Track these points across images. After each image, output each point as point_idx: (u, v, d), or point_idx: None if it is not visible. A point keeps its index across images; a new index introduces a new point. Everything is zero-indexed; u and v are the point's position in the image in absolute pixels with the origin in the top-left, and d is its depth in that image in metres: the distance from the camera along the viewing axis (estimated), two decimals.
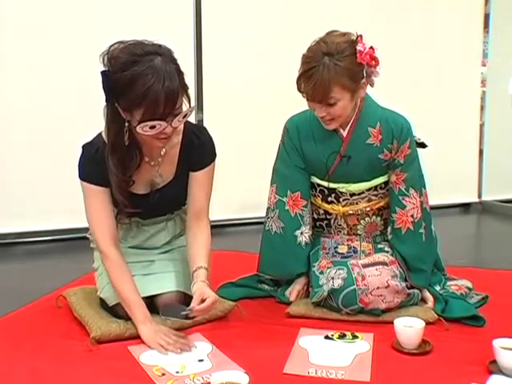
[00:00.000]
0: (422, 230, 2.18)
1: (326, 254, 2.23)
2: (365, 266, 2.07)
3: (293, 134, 2.20)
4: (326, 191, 2.22)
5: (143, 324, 1.86)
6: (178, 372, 1.68)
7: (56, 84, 3.29)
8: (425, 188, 2.22)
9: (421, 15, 4.07)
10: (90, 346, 1.82)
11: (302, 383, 1.64)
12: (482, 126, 4.44)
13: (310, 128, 2.17)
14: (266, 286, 2.35)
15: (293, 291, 2.24)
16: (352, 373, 1.68)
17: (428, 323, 1.91)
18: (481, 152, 4.45)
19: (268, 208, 2.29)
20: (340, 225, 2.26)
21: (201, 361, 1.75)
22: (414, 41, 4.05)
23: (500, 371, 1.64)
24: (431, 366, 1.73)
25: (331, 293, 2.04)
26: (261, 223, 2.36)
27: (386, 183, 2.20)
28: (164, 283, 2.02)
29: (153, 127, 1.76)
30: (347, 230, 2.27)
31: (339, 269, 2.08)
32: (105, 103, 1.82)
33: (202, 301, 1.82)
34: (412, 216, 2.16)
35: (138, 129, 1.76)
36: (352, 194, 2.20)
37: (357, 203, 2.21)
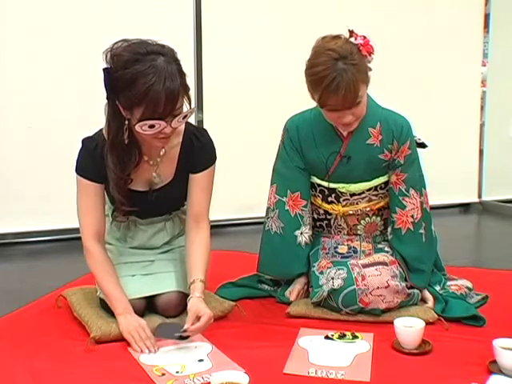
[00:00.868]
0: (422, 231, 2.18)
1: (326, 254, 2.23)
2: (365, 266, 2.07)
3: (293, 134, 2.20)
4: (326, 191, 2.22)
5: (122, 316, 1.86)
6: (177, 372, 1.68)
7: (56, 84, 3.29)
8: (425, 188, 2.22)
9: (421, 15, 4.07)
10: (89, 345, 1.82)
11: (301, 383, 1.64)
12: (482, 125, 4.44)
13: (310, 128, 2.17)
14: (266, 286, 2.35)
15: (293, 291, 2.24)
16: (352, 373, 1.68)
17: (428, 323, 1.91)
18: (481, 152, 4.45)
19: (268, 208, 2.29)
20: (340, 225, 2.26)
21: (201, 361, 1.75)
22: (414, 41, 4.05)
23: (500, 371, 1.64)
24: (431, 366, 1.73)
25: (331, 293, 2.04)
26: (261, 223, 2.36)
27: (386, 183, 2.20)
28: (164, 283, 2.02)
29: (152, 126, 1.76)
30: (347, 230, 2.27)
31: (339, 269, 2.08)
32: (106, 101, 1.82)
33: (197, 318, 1.82)
34: (412, 216, 2.16)
35: (137, 127, 1.77)
36: (352, 194, 2.20)
37: (357, 203, 2.21)
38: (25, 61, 3.24)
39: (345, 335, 1.92)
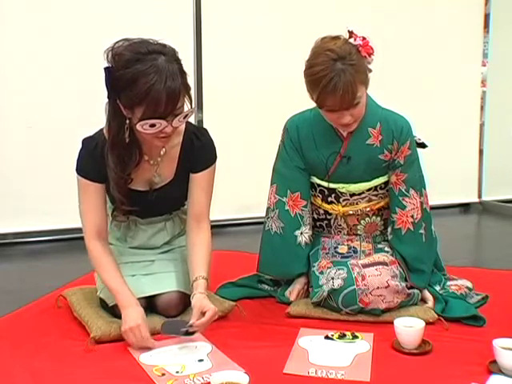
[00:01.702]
0: (422, 231, 2.18)
1: (326, 254, 2.23)
2: (365, 266, 2.07)
3: (293, 134, 2.20)
4: (326, 191, 2.22)
5: (124, 310, 1.84)
6: (177, 372, 1.68)
7: (56, 84, 3.29)
8: (425, 188, 2.22)
9: (421, 15, 4.07)
10: (89, 345, 1.82)
11: (302, 383, 1.64)
12: (481, 125, 4.44)
13: (310, 128, 2.17)
14: (266, 286, 2.35)
15: (293, 291, 2.24)
16: (352, 373, 1.68)
17: (428, 323, 1.91)
18: (481, 152, 4.46)
19: (268, 208, 2.28)
20: (340, 225, 2.26)
21: (201, 361, 1.75)
22: (414, 41, 4.05)
23: (500, 371, 1.64)
24: (431, 366, 1.73)
25: (331, 293, 2.04)
26: (261, 223, 2.36)
27: (386, 183, 2.20)
28: (164, 283, 2.02)
29: (153, 126, 1.76)
30: (347, 230, 2.27)
31: (339, 269, 2.08)
32: (106, 100, 1.82)
33: (202, 314, 1.81)
34: (412, 216, 2.16)
35: (138, 126, 1.77)
36: (352, 195, 2.20)
37: (357, 203, 2.21)
38: (25, 61, 3.24)
39: (345, 335, 1.92)
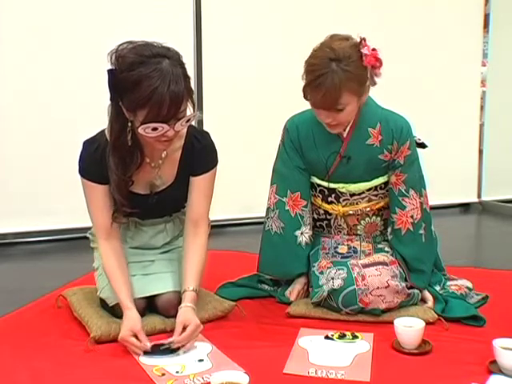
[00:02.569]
0: (421, 231, 2.18)
1: (326, 254, 2.23)
2: (365, 266, 2.07)
3: (293, 134, 2.20)
4: (326, 191, 2.22)
5: (124, 313, 1.85)
6: (177, 372, 1.68)
7: (56, 83, 3.29)
8: (425, 189, 2.22)
9: (421, 15, 4.07)
10: (89, 346, 1.82)
11: (302, 383, 1.64)
12: (481, 126, 4.44)
13: (310, 128, 2.17)
14: (266, 286, 2.35)
15: (293, 291, 2.24)
16: (352, 373, 1.68)
17: (428, 323, 1.91)
18: (480, 152, 4.46)
19: (268, 208, 2.28)
20: (340, 225, 2.26)
21: (201, 361, 1.75)
22: (414, 41, 4.05)
23: (500, 371, 1.64)
24: (431, 365, 1.73)
25: (331, 293, 2.04)
26: (261, 223, 2.36)
27: (386, 183, 2.20)
28: (163, 283, 2.01)
29: (155, 129, 1.76)
30: (347, 230, 2.27)
31: (339, 269, 2.08)
32: (108, 102, 1.82)
33: (184, 328, 1.81)
34: (412, 217, 2.16)
35: (140, 130, 1.76)
36: (352, 194, 2.20)
37: (357, 203, 2.21)
38: (25, 61, 3.24)
39: (345, 335, 1.92)
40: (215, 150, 2.04)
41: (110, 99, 1.80)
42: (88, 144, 1.93)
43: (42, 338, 1.91)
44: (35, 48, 3.24)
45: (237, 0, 3.67)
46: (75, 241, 3.29)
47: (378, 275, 2.03)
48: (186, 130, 1.96)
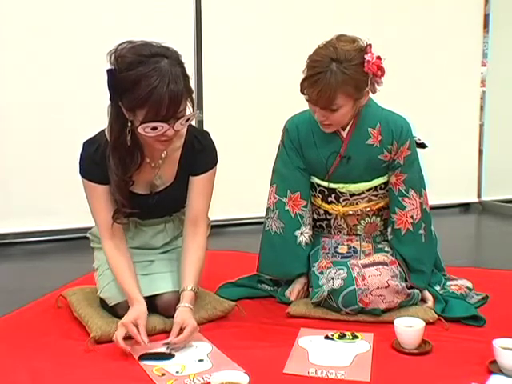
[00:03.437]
0: (421, 231, 2.18)
1: (326, 254, 2.23)
2: (365, 266, 2.07)
3: (293, 134, 2.20)
4: (326, 191, 2.22)
5: (135, 302, 1.86)
6: (177, 372, 1.68)
7: (56, 83, 3.29)
8: (424, 189, 2.22)
9: (421, 15, 4.07)
10: (89, 345, 1.82)
11: (301, 383, 1.64)
12: (481, 126, 4.44)
13: (310, 128, 2.17)
14: (266, 286, 2.35)
15: (293, 291, 2.24)
16: (352, 373, 1.68)
17: (428, 323, 1.91)
18: (480, 152, 4.45)
19: (268, 208, 2.28)
20: (340, 225, 2.26)
21: (201, 361, 1.75)
22: (414, 41, 4.05)
23: (500, 371, 1.64)
24: (431, 365, 1.73)
25: (331, 293, 2.04)
26: (261, 223, 2.36)
27: (386, 183, 2.20)
28: (163, 283, 2.01)
29: (154, 129, 1.76)
30: (347, 230, 2.27)
31: (339, 269, 2.08)
32: (108, 102, 1.82)
33: (182, 330, 1.81)
34: (412, 217, 2.16)
35: (140, 129, 1.77)
36: (352, 195, 2.20)
37: (357, 203, 2.21)
38: (25, 61, 3.24)
39: (345, 335, 1.92)
40: (215, 149, 2.04)
41: (110, 99, 1.80)
42: (88, 144, 1.93)
43: (42, 338, 1.91)
44: (35, 48, 3.24)
45: (237, 0, 3.67)
46: (75, 241, 3.29)
47: (378, 275, 2.03)
48: (185, 129, 1.96)
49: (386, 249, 2.22)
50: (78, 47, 3.26)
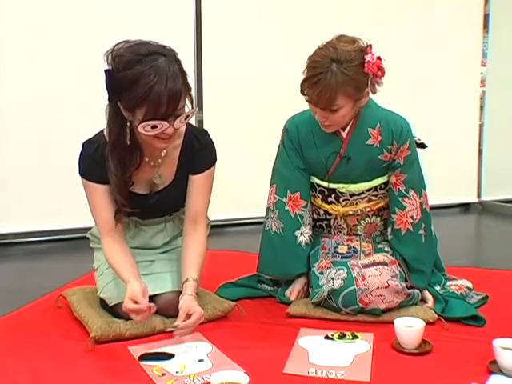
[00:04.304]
0: (421, 231, 2.18)
1: (326, 254, 2.23)
2: (365, 266, 2.07)
3: (292, 135, 2.20)
4: (326, 191, 2.22)
5: (128, 283, 1.84)
6: (177, 372, 1.68)
7: (56, 83, 3.29)
8: (424, 189, 2.22)
9: (421, 15, 4.07)
10: (89, 345, 1.82)
11: (301, 383, 1.64)
12: (481, 126, 4.44)
13: (310, 128, 2.17)
14: (266, 286, 2.35)
15: (293, 291, 2.24)
16: (352, 373, 1.68)
17: (428, 323, 1.91)
18: (480, 152, 4.46)
19: (268, 208, 2.28)
20: (340, 225, 2.26)
21: (201, 361, 1.75)
22: (414, 41, 4.05)
23: (500, 371, 1.64)
24: (431, 365, 1.73)
25: (331, 293, 2.04)
26: (261, 223, 2.36)
27: (386, 184, 2.20)
28: (163, 283, 2.02)
29: (154, 127, 1.76)
30: (347, 231, 2.27)
31: (339, 269, 2.08)
32: (106, 102, 1.82)
33: (188, 316, 1.82)
34: (412, 217, 2.16)
35: (140, 128, 1.77)
36: (352, 195, 2.20)
37: (357, 203, 2.21)
38: (25, 61, 3.24)
39: (345, 335, 1.92)
40: (214, 148, 2.04)
41: (108, 100, 1.80)
42: (87, 145, 1.93)
43: (42, 338, 1.91)
44: (35, 48, 3.24)
45: (237, 0, 3.67)
46: (75, 241, 3.29)
47: (377, 275, 2.03)
48: (184, 128, 1.96)
49: (386, 249, 2.22)
50: (78, 47, 3.26)
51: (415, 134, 2.20)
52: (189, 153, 1.99)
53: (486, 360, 1.69)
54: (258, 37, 3.69)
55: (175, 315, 1.98)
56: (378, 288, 2.01)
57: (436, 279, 2.26)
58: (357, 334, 1.93)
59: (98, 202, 1.95)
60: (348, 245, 2.25)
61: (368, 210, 2.22)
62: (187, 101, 1.80)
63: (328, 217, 2.27)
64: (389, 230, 2.22)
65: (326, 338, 1.91)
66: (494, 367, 1.66)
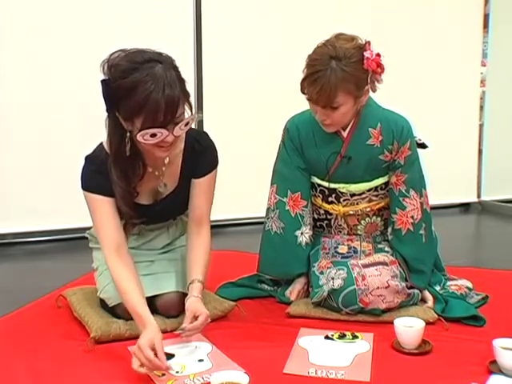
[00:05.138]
0: (422, 231, 2.18)
1: (326, 254, 2.23)
2: (365, 266, 2.07)
3: (293, 134, 2.20)
4: (327, 191, 2.22)
5: (145, 322, 1.75)
6: (178, 372, 1.68)
7: (56, 84, 3.29)
8: (425, 189, 2.22)
9: (421, 15, 4.07)
10: (89, 346, 1.82)
11: (302, 383, 1.64)
12: (481, 126, 4.45)
13: (311, 128, 2.17)
14: (266, 286, 2.35)
15: (293, 291, 2.24)
16: (352, 373, 1.68)
17: (428, 323, 1.91)
18: (480, 152, 4.46)
19: (268, 208, 2.28)
20: (340, 225, 2.26)
21: (201, 361, 1.75)
22: (414, 41, 4.05)
23: (500, 371, 1.64)
24: (431, 365, 1.73)
25: (331, 293, 2.04)
26: (261, 223, 2.36)
27: (387, 184, 2.20)
28: (164, 283, 2.01)
29: (154, 135, 1.73)
30: (347, 230, 2.27)
31: (339, 269, 2.08)
32: (105, 110, 1.81)
33: (195, 318, 1.81)
34: (412, 217, 2.16)
35: (139, 137, 1.74)
36: (352, 195, 2.20)
37: (357, 203, 2.21)
38: (25, 61, 3.24)
39: (345, 335, 1.92)
40: (215, 150, 2.03)
41: (107, 111, 1.78)
42: (89, 159, 1.91)
43: (42, 338, 1.91)
44: (35, 48, 3.24)
45: (237, 0, 3.67)
46: (75, 241, 3.28)
47: (378, 275, 2.03)
48: (185, 134, 1.94)
49: (386, 249, 2.22)
50: (78, 47, 3.26)
51: (416, 134, 2.20)
52: (191, 157, 1.98)
53: (485, 360, 1.69)
54: (258, 37, 3.69)
55: (176, 315, 1.99)
56: (378, 288, 2.01)
57: (436, 279, 2.26)
58: (357, 334, 1.93)
59: (103, 217, 1.89)
60: (348, 245, 2.25)
61: (368, 210, 2.22)
62: (186, 107, 1.78)
63: (328, 217, 2.27)
64: (389, 229, 2.22)
65: (326, 337, 1.91)
66: (494, 367, 1.66)
